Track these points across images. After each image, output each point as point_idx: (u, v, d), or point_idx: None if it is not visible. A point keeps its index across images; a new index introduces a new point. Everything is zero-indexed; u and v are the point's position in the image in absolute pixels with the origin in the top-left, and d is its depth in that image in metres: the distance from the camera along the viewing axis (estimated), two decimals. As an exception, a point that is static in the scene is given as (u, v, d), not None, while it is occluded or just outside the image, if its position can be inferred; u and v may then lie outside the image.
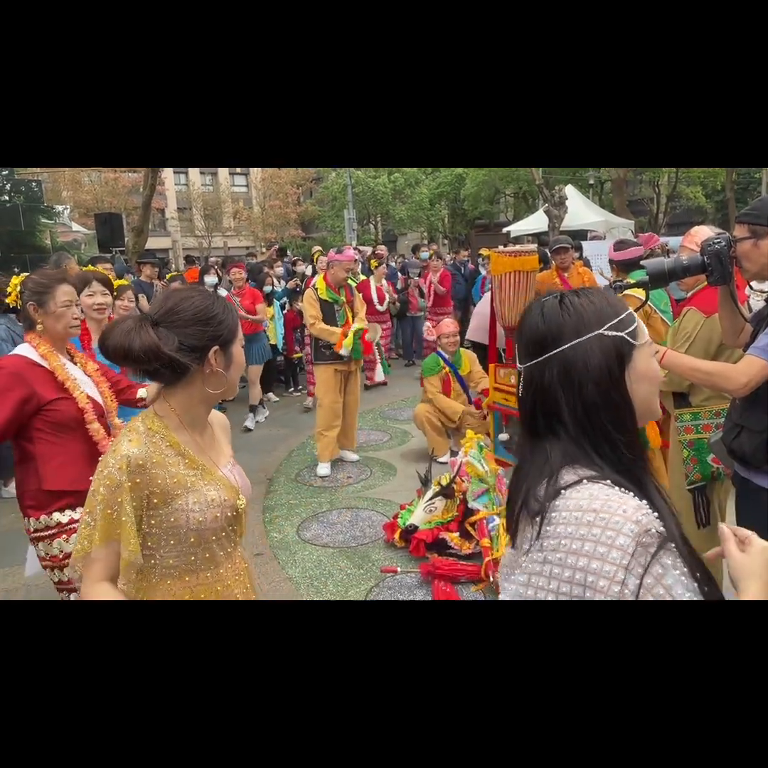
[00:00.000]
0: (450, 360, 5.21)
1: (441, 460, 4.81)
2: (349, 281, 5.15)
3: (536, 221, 15.23)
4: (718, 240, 1.97)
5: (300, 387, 7.90)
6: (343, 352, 4.88)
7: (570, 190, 14.46)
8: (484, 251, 9.14)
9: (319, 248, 8.21)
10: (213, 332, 1.30)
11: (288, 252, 10.58)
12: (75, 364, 2.31)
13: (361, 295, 5.57)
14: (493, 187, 23.60)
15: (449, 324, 5.30)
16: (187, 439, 1.36)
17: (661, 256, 8.56)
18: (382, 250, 10.32)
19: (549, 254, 5.45)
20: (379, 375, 7.71)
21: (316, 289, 5.04)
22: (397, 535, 3.70)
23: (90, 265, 5.43)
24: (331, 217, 25.51)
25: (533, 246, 5.07)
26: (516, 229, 16.25)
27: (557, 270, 5.32)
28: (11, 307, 2.29)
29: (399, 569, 3.45)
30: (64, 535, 2.14)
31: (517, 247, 5.37)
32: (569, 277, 5.32)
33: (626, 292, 3.38)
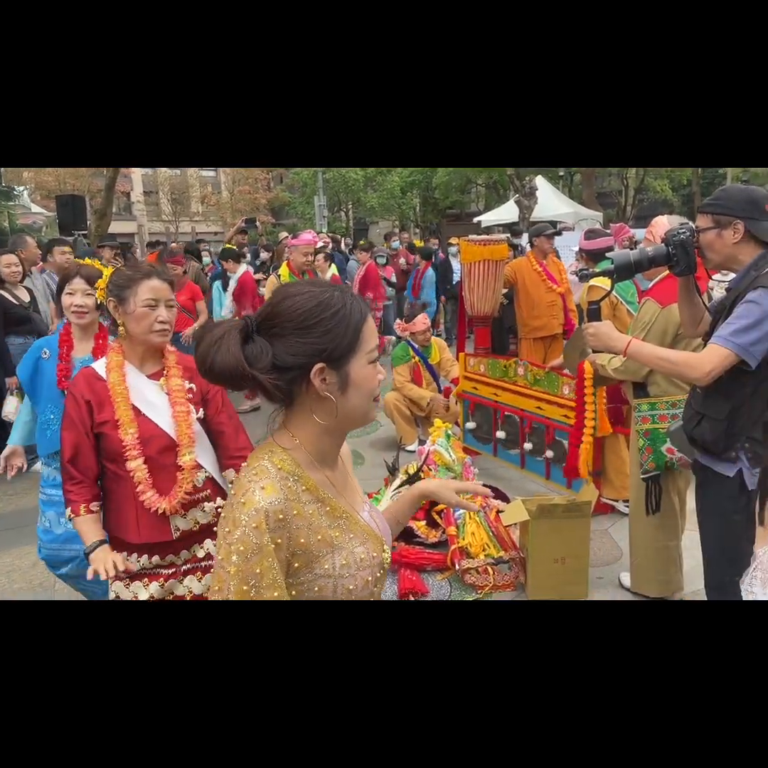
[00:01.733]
0: (419, 349, 5.19)
1: (409, 448, 4.80)
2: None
3: (507, 211, 15.28)
4: (683, 230, 1.97)
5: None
6: None
7: (540, 181, 14.54)
8: (454, 240, 9.14)
9: (287, 235, 8.10)
10: (315, 344, 0.96)
11: (257, 223, 10.27)
12: (161, 379, 1.88)
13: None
14: (465, 176, 23.63)
15: (421, 321, 5.26)
16: (321, 478, 1.05)
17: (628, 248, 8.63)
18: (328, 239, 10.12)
19: (532, 239, 5.44)
20: None
21: (280, 277, 4.94)
22: (363, 524, 3.68)
23: (60, 247, 5.28)
24: (302, 204, 25.25)
25: (503, 236, 5.06)
26: (487, 219, 16.29)
27: (535, 256, 5.33)
28: (99, 303, 2.08)
29: (365, 558, 3.43)
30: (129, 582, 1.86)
31: (487, 236, 5.37)
32: (548, 263, 5.35)
33: (592, 282, 3.42)
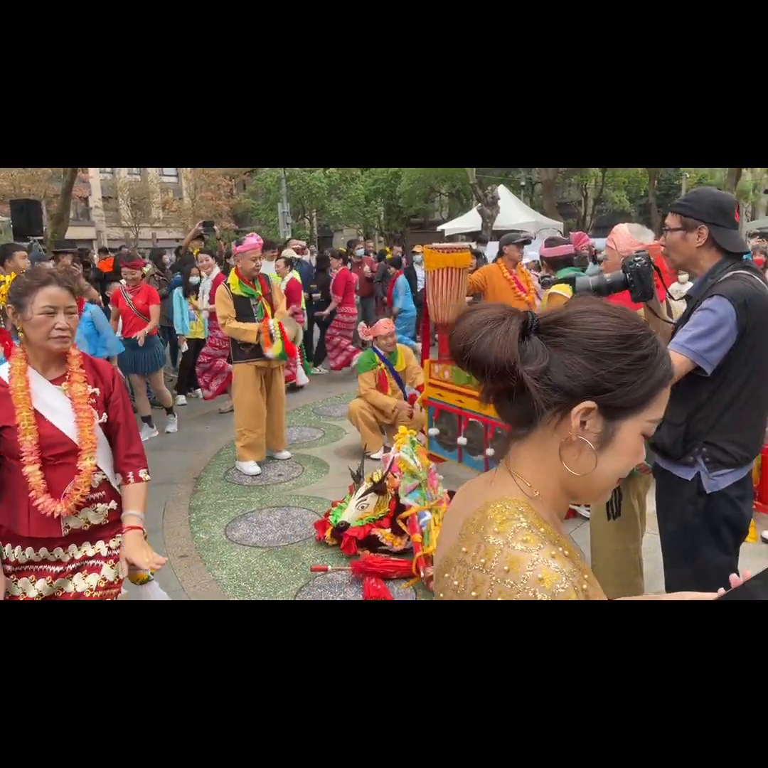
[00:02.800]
0: (385, 356, 5.19)
1: (374, 456, 4.78)
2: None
3: (469, 220, 15.46)
4: (639, 258, 2.02)
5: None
6: (269, 354, 4.69)
7: (502, 191, 14.75)
8: (418, 248, 9.19)
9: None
10: (602, 379, 0.78)
11: (215, 227, 10.10)
12: (63, 384, 1.92)
13: (284, 286, 5.41)
14: (428, 185, 23.83)
15: (385, 325, 5.26)
16: (560, 537, 0.83)
17: (588, 258, 8.83)
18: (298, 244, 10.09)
19: (503, 247, 5.55)
20: (301, 377, 7.60)
21: (229, 285, 4.77)
22: (328, 533, 3.65)
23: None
24: (265, 211, 25.12)
25: (466, 243, 5.12)
26: (450, 227, 16.45)
27: (505, 264, 5.40)
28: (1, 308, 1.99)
29: (330, 567, 3.40)
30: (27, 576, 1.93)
31: (450, 244, 5.42)
32: (517, 272, 5.43)
33: (552, 289, 3.47)
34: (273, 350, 4.68)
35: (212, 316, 6.33)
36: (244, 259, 4.75)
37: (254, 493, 4.51)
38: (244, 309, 4.74)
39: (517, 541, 0.75)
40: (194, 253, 7.38)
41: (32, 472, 1.82)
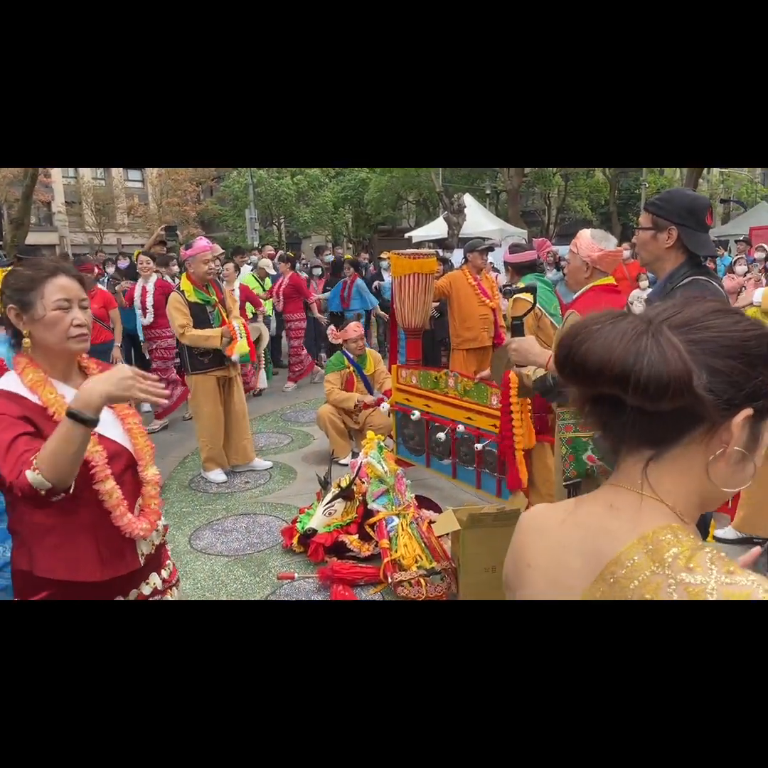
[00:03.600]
0: (354, 359, 5.19)
1: (342, 461, 4.77)
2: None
3: (436, 228, 15.60)
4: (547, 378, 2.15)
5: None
6: (234, 357, 4.57)
7: (468, 199, 14.94)
8: (385, 254, 9.22)
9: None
10: (760, 385, 0.71)
11: (177, 232, 9.95)
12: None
13: (238, 291, 5.31)
14: (396, 193, 23.98)
15: (354, 329, 5.26)
16: None
17: (550, 264, 8.94)
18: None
19: (467, 254, 5.64)
20: (262, 381, 7.55)
21: (183, 292, 4.53)
22: (295, 540, 3.62)
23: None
24: (233, 217, 24.95)
25: (432, 250, 5.17)
26: (417, 234, 16.56)
27: (469, 270, 5.46)
28: None
29: (296, 575, 3.37)
30: None
31: (416, 250, 5.47)
32: (481, 278, 5.51)
33: (516, 295, 3.51)
34: (238, 350, 4.55)
35: (151, 326, 6.13)
36: (195, 263, 4.50)
37: (220, 501, 4.45)
38: (200, 316, 4.51)
39: (722, 573, 0.65)
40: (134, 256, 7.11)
41: (112, 488, 1.50)
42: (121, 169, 29.85)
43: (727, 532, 3.63)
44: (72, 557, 1.51)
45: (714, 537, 3.60)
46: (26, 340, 1.51)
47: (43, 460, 1.30)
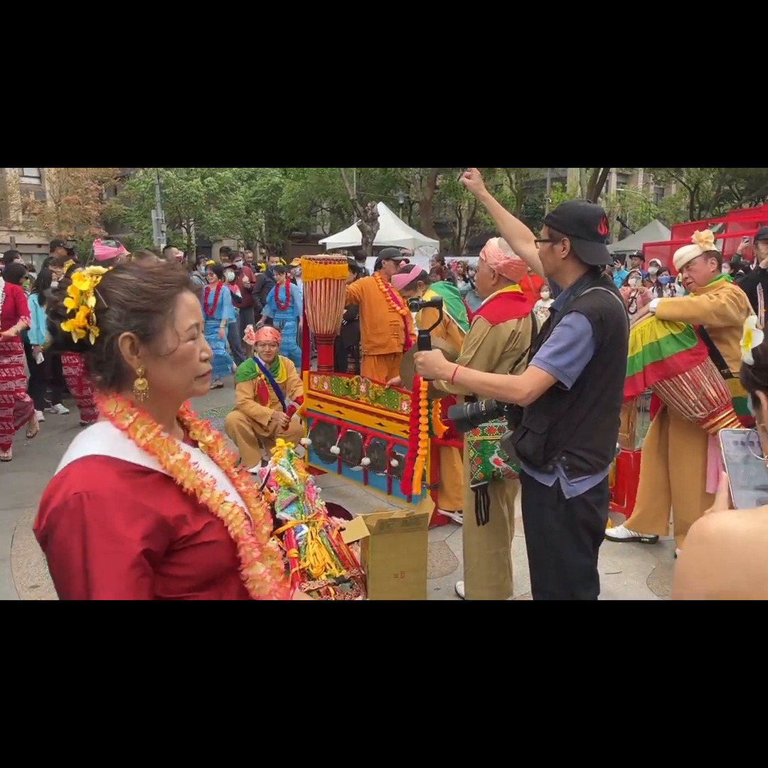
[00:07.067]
0: (266, 366, 5.07)
1: (252, 470, 4.64)
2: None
3: (350, 235, 15.65)
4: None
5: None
6: None
7: (382, 208, 15.11)
8: (296, 260, 9.15)
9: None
10: None
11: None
12: (197, 446, 1.18)
13: None
14: (310, 199, 23.87)
15: (268, 332, 5.15)
16: None
17: (458, 277, 9.19)
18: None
19: (382, 261, 5.78)
20: None
21: None
22: (200, 553, 3.47)
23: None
24: (139, 218, 23.97)
25: (343, 256, 5.18)
26: (331, 241, 16.57)
27: (381, 277, 5.56)
28: (78, 341, 1.02)
29: (201, 589, 3.22)
30: None
31: (326, 255, 5.47)
32: (392, 285, 5.55)
33: (424, 309, 3.56)
34: None
35: None
36: None
37: (119, 514, 4.20)
38: None
39: None
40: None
41: (261, 576, 1.09)
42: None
43: (619, 531, 3.80)
44: None
45: (606, 536, 3.77)
46: (141, 382, 1.02)
47: None
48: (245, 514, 1.13)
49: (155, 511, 0.95)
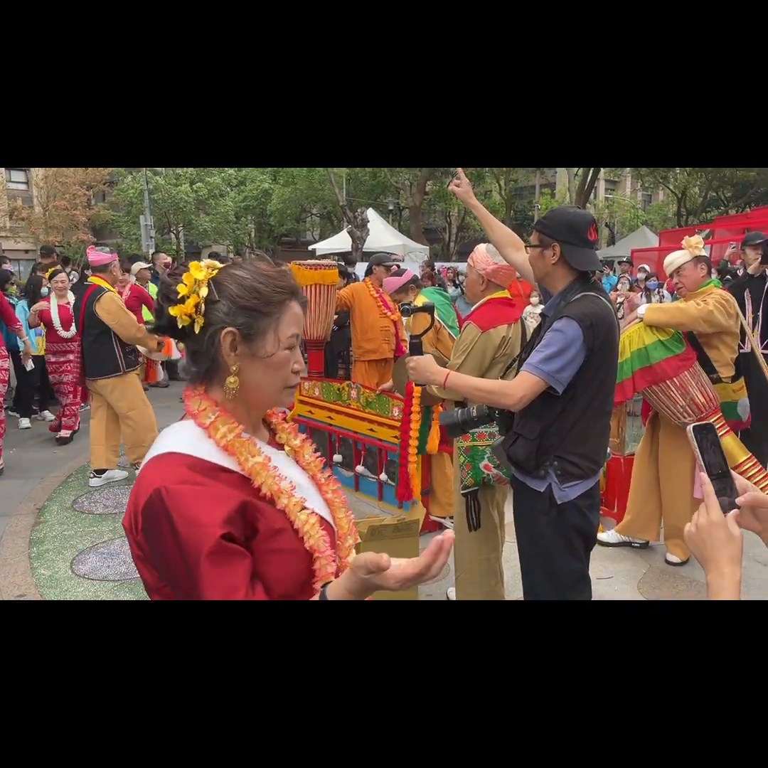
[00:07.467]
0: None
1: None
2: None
3: (340, 241, 15.66)
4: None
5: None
6: (175, 354, 4.71)
7: (372, 214, 15.13)
8: (286, 266, 9.15)
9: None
10: None
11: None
12: (281, 449, 1.14)
13: None
14: (300, 205, 23.87)
15: None
16: None
17: (448, 282, 9.23)
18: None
19: (373, 266, 5.75)
20: (161, 373, 7.56)
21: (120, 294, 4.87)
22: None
23: None
24: (127, 223, 23.85)
25: (334, 261, 5.16)
26: (321, 247, 16.55)
27: (372, 283, 5.54)
28: (181, 327, 1.02)
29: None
30: None
31: (317, 260, 5.46)
32: (383, 291, 5.55)
33: (416, 313, 3.55)
34: (177, 349, 4.79)
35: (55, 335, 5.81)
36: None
37: (106, 522, 4.16)
38: None
39: None
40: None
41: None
42: (2, 168, 27.85)
43: (610, 535, 3.81)
44: None
45: (598, 540, 3.77)
46: (232, 380, 1.02)
47: None
48: (328, 523, 1.09)
49: (236, 496, 0.94)
